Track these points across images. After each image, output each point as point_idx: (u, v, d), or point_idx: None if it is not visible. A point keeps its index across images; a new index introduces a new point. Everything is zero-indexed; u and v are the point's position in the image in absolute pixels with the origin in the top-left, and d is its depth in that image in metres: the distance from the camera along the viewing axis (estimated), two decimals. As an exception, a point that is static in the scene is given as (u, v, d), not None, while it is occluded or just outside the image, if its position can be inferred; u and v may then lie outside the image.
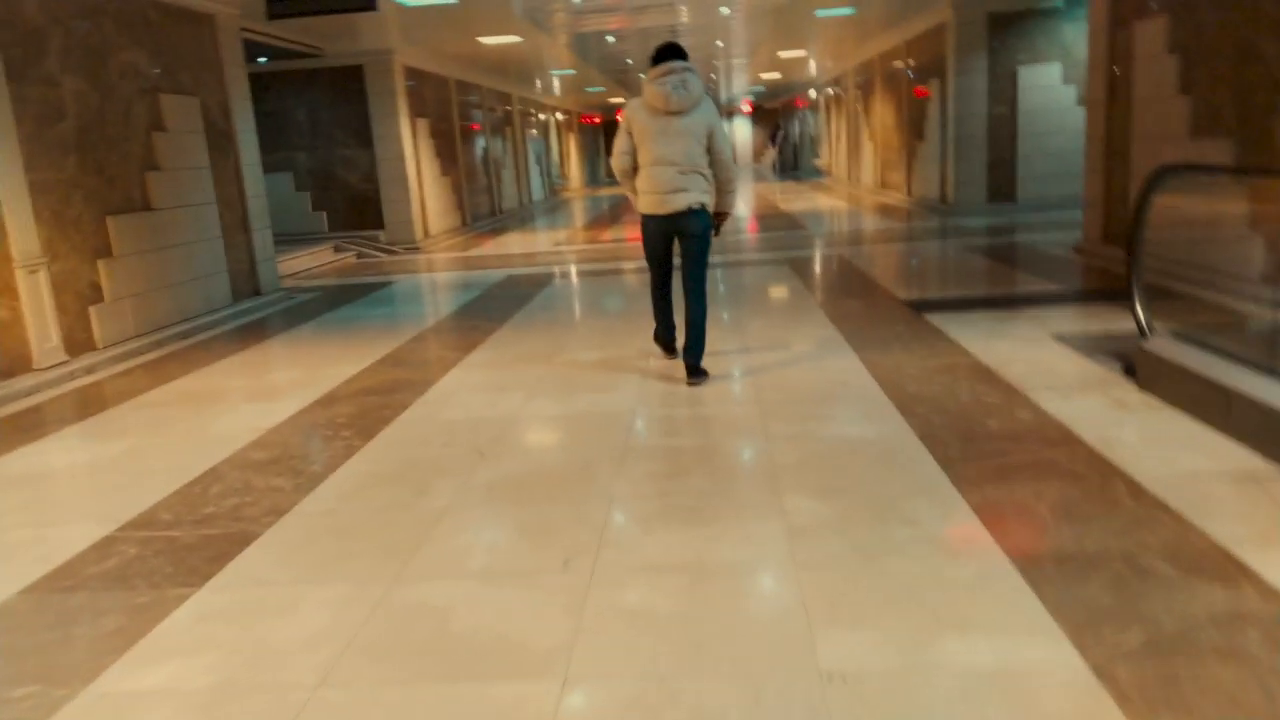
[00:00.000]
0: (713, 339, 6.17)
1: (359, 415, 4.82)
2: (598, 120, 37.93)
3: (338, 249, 13.32)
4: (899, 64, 16.73)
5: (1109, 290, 7.02)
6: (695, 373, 5.00)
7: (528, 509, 3.42)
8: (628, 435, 4.18)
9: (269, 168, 13.98)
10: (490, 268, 11.26)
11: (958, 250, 9.87)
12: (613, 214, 19.59)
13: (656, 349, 5.65)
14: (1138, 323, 4.48)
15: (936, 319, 6.23)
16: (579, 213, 21.20)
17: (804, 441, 3.91)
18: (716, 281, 8.91)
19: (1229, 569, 2.59)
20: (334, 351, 6.71)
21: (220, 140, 8.69)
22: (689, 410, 4.53)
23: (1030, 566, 2.66)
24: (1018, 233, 10.98)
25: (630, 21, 13.66)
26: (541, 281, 9.58)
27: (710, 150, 4.85)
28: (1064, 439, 3.73)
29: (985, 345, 5.37)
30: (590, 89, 25.82)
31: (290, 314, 8.54)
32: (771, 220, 15.13)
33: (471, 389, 5.27)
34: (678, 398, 4.78)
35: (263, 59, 12.91)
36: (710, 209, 4.96)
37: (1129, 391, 4.32)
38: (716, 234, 5.07)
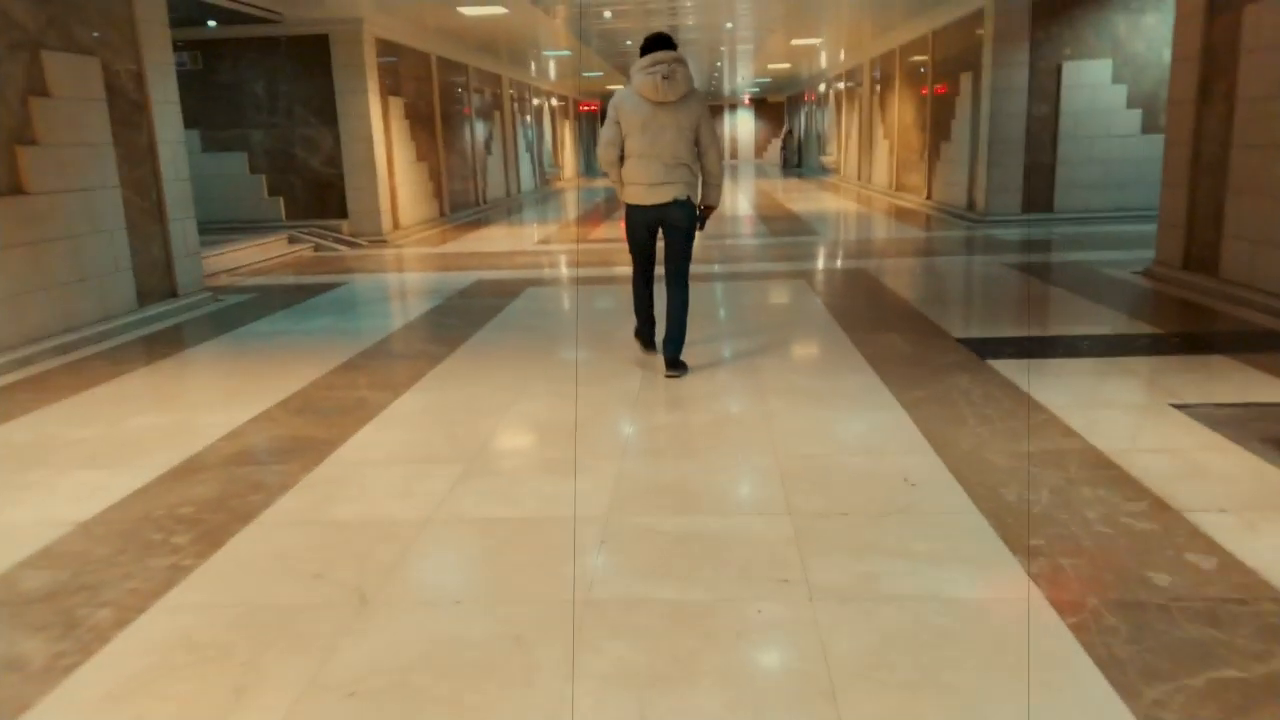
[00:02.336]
0: (720, 383, 4.74)
1: (215, 504, 3.37)
2: (595, 107, 36.38)
3: (293, 240, 11.83)
4: (924, 57, 15.27)
5: (1219, 335, 5.60)
6: (674, 365, 4.94)
7: (408, 744, 1.99)
8: (591, 574, 2.74)
9: (219, 146, 12.53)
10: (461, 268, 9.80)
11: (1001, 269, 8.44)
12: (607, 208, 18.11)
13: (636, 345, 5.47)
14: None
15: (1007, 368, 4.81)
16: (570, 205, 19.72)
17: (867, 614, 2.47)
18: (719, 299, 7.47)
19: None
20: (232, 384, 5.25)
21: (129, 111, 7.21)
22: (688, 527, 3.10)
23: None
24: (1064, 249, 9.55)
25: (630, -5, 12.21)
26: (516, 289, 8.14)
27: (698, 143, 4.81)
28: (1289, 622, 2.31)
29: (1088, 416, 3.95)
30: (588, 74, 24.32)
31: (205, 324, 7.07)
32: (780, 223, 13.68)
33: (386, 459, 3.83)
34: (666, 496, 3.34)
35: (212, 22, 11.39)
36: (695, 202, 4.90)
37: (1340, 519, 2.90)
38: (701, 228, 5.01)
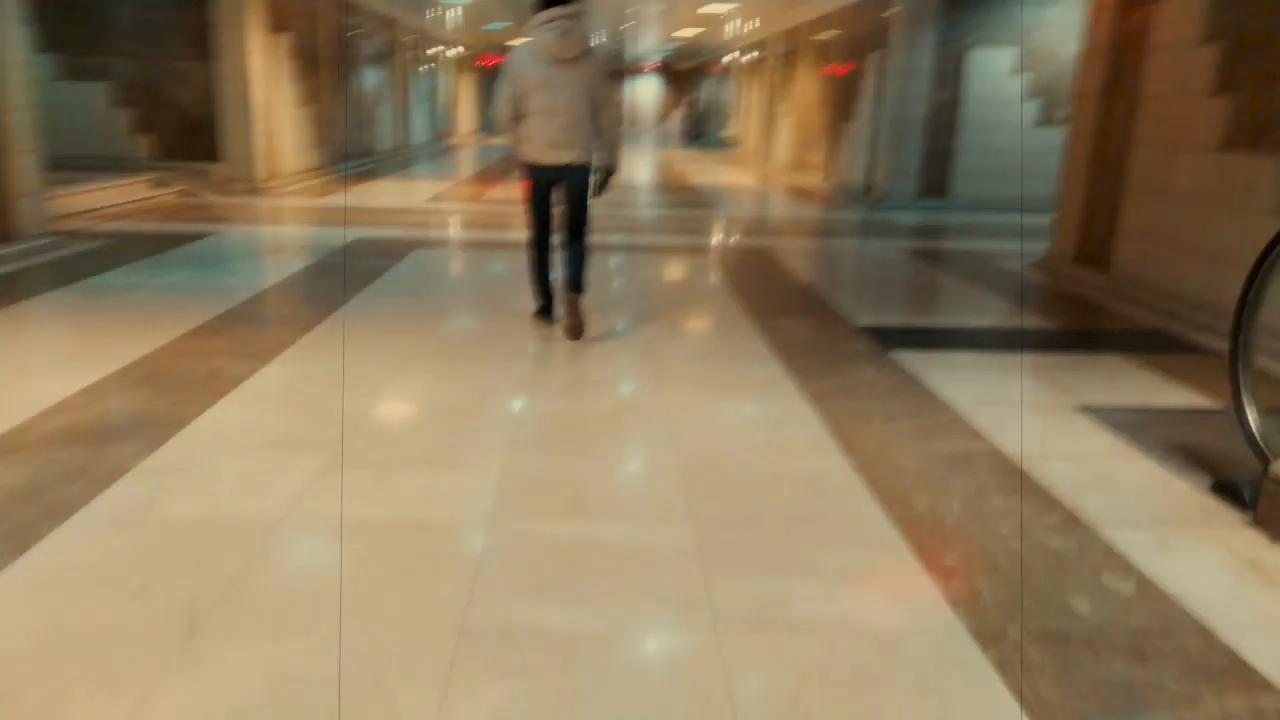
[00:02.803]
0: (617, 366, 4.44)
1: (25, 495, 2.87)
2: (497, 62, 35.25)
3: (158, 183, 10.86)
4: (832, 34, 15.20)
5: (1113, 334, 5.63)
6: (574, 310, 4.84)
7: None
8: (468, 594, 2.41)
9: (76, 74, 11.36)
10: (342, 224, 9.16)
11: (900, 255, 8.41)
12: (504, 166, 17.47)
13: (530, 320, 5.21)
14: (1254, 446, 3.01)
15: (910, 360, 4.67)
16: (465, 162, 18.97)
17: (778, 647, 2.22)
18: (617, 271, 7.16)
19: None
20: (66, 345, 4.65)
21: (-43, 25, 6.32)
22: (580, 536, 2.79)
23: None
24: (958, 237, 9.63)
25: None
26: (401, 250, 7.61)
27: (595, 100, 4.70)
28: (1222, 659, 2.19)
29: (994, 417, 3.83)
30: (490, 26, 23.40)
31: (45, 273, 6.31)
32: (679, 195, 13.43)
33: (239, 443, 3.38)
34: (556, 497, 3.03)
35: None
36: (590, 164, 4.80)
37: (1249, 537, 2.83)
38: (600, 192, 4.90)
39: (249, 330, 4.94)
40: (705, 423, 3.75)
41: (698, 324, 5.60)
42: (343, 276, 6.55)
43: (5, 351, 4.58)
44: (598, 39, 27.75)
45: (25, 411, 3.56)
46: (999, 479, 3.21)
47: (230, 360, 4.34)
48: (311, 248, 7.93)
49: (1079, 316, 6.10)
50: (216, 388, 3.94)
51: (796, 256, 8.13)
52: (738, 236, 9.42)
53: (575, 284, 4.87)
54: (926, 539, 2.74)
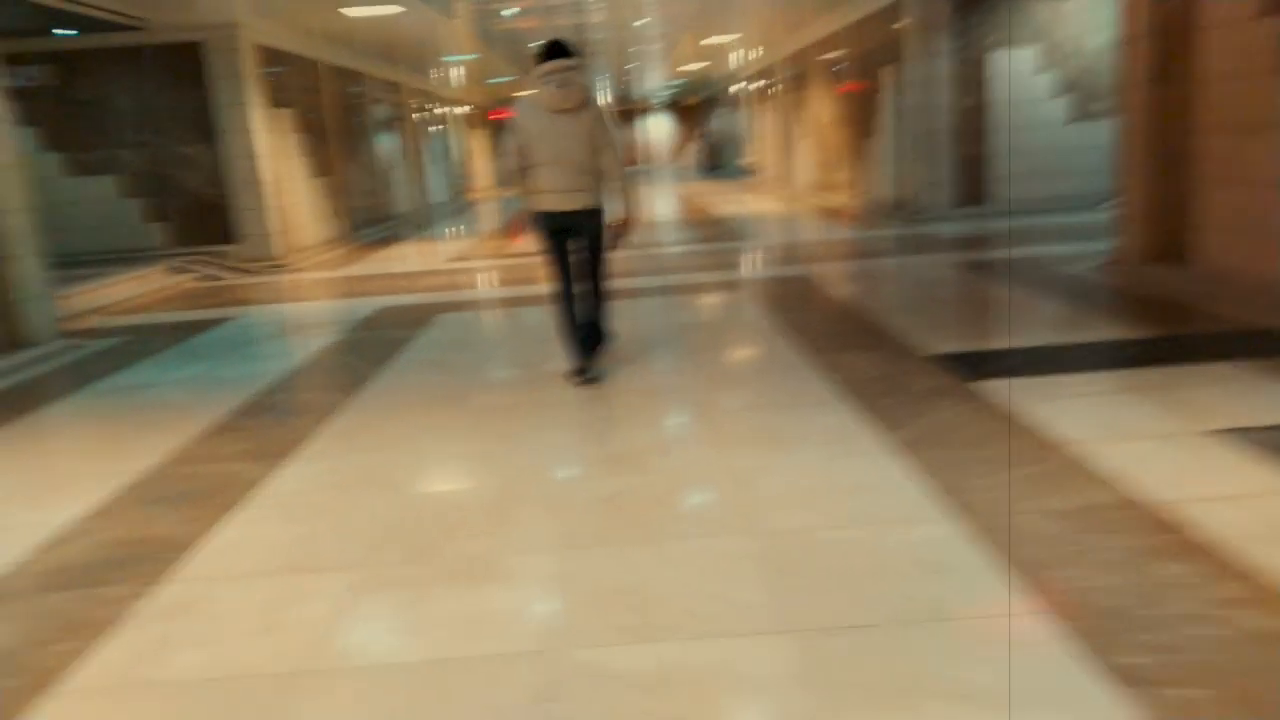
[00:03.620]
0: (669, 430, 3.94)
1: (11, 657, 2.44)
2: (508, 115, 35.33)
3: (174, 270, 10.64)
4: (841, 52, 14.81)
5: (1215, 338, 5.05)
6: (596, 340, 4.89)
7: None
8: (534, 753, 1.92)
9: (86, 169, 11.25)
10: (365, 293, 8.83)
11: (951, 269, 7.89)
12: (524, 217, 17.20)
13: (567, 381, 4.92)
14: None
15: (998, 391, 4.16)
16: (486, 217, 18.75)
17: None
18: (653, 318, 6.72)
19: None
20: (69, 462, 4.27)
21: (-52, 131, 6.08)
22: (658, 666, 2.30)
23: None
24: (1007, 244, 9.08)
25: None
26: (426, 316, 7.23)
27: (597, 149, 4.73)
28: None
29: (1118, 455, 3.30)
30: (494, 80, 23.37)
31: (56, 380, 5.98)
32: (705, 228, 13.01)
33: (251, 569, 2.93)
34: (623, 611, 2.54)
35: (63, 31, 10.15)
36: (604, 210, 4.81)
37: None
38: (614, 247, 4.89)
39: (266, 425, 4.54)
40: (778, 492, 3.26)
41: (747, 368, 5.12)
42: (365, 353, 6.17)
43: (19, 466, 4.19)
44: (602, 85, 27.69)
45: (17, 548, 3.16)
46: (1152, 537, 2.68)
47: (244, 463, 3.93)
48: (333, 323, 7.58)
49: (1169, 322, 5.53)
50: (228, 497, 3.52)
51: (840, 281, 7.65)
52: (774, 266, 8.96)
53: (596, 336, 4.90)
54: (1094, 633, 2.22)
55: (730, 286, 7.84)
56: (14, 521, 3.45)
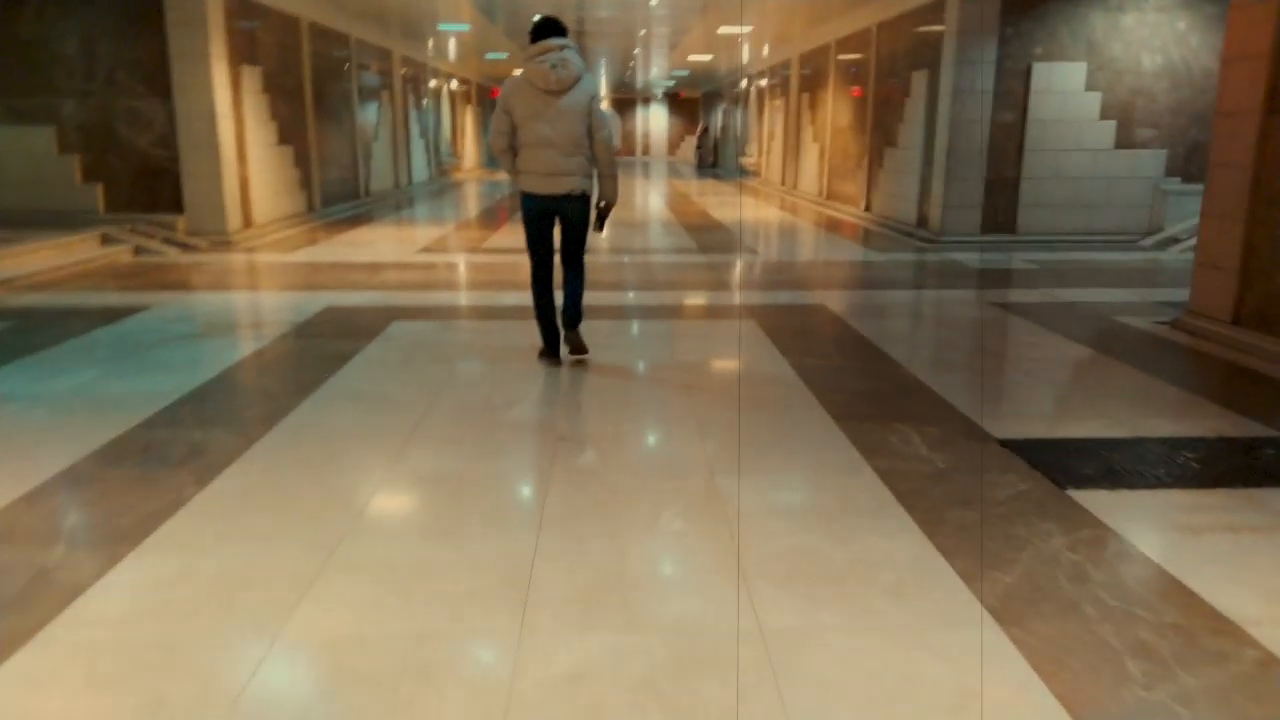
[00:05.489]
0: (677, 554, 2.80)
1: None
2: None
3: (108, 239, 9.41)
4: (865, 54, 13.70)
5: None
6: (575, 338, 4.94)
7: None
8: None
9: (19, 117, 9.98)
10: (312, 286, 7.66)
11: (990, 311, 6.80)
12: (511, 204, 16.03)
13: (543, 362, 5.04)
14: None
15: (1111, 510, 3.09)
16: (467, 201, 17.53)
17: None
18: (646, 353, 5.62)
19: None
20: None
21: None
22: None
23: None
24: (1047, 283, 8.01)
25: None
26: (377, 323, 6.10)
27: (590, 130, 4.68)
28: None
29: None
30: (492, 55, 22.12)
31: (-101, 376, 4.81)
32: (702, 235, 11.87)
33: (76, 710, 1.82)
34: None
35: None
36: (591, 196, 4.81)
37: None
38: (599, 229, 4.89)
39: (127, 481, 3.39)
40: (839, 683, 2.16)
41: (768, 440, 3.98)
42: (291, 371, 5.03)
43: None
44: (599, 68, 26.48)
45: None
46: None
47: (70, 551, 2.79)
48: (269, 323, 6.43)
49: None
50: (40, 611, 2.41)
51: (863, 316, 6.56)
52: (783, 289, 7.86)
53: (573, 319, 4.95)
54: None
55: (732, 314, 6.73)
56: None
